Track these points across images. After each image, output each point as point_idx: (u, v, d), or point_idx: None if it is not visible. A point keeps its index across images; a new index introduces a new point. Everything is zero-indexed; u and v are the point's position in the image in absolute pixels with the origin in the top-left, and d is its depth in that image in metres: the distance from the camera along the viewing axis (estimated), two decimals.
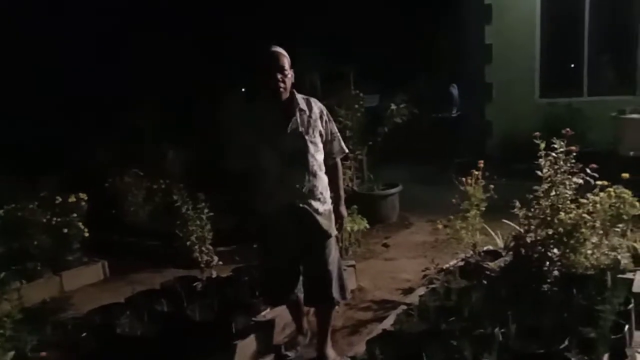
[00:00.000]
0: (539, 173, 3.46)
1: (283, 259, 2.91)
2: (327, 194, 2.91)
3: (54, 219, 4.92)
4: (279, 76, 2.70)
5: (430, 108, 12.56)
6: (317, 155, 2.85)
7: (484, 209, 3.98)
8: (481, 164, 3.90)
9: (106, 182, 6.15)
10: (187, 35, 13.34)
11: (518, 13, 8.82)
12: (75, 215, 4.96)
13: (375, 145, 6.53)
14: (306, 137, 2.80)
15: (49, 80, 10.16)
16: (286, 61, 2.75)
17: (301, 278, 3.00)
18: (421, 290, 3.74)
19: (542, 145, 3.41)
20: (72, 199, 5.01)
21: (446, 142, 10.08)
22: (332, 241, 2.92)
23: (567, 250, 3.44)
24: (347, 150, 3.12)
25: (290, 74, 2.77)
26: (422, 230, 6.08)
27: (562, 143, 3.39)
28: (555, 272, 3.44)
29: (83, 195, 5.07)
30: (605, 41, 8.42)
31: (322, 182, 2.86)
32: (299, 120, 2.79)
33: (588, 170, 3.40)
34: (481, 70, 9.22)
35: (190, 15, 13.49)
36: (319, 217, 2.81)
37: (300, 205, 2.78)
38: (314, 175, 2.81)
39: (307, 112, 2.83)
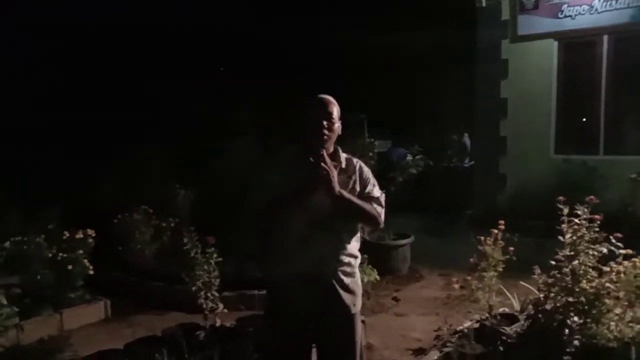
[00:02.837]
0: (561, 239, 3.36)
1: (292, 344, 2.51)
2: (357, 263, 2.60)
3: (60, 254, 4.84)
4: (325, 123, 2.42)
5: (442, 157, 12.57)
6: (351, 222, 2.55)
7: (501, 269, 3.85)
8: (502, 225, 3.78)
9: (114, 218, 6.07)
10: (199, 73, 13.59)
11: (534, 68, 8.83)
12: (81, 251, 4.87)
13: (388, 193, 6.45)
14: None
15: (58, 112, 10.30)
16: (335, 110, 2.49)
17: None
18: (434, 354, 3.59)
19: (566, 211, 3.33)
20: (80, 235, 4.94)
21: (458, 193, 9.99)
22: (356, 318, 2.59)
23: (589, 320, 3.30)
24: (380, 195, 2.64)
25: (337, 124, 2.49)
26: (433, 284, 5.92)
27: (585, 209, 3.32)
28: (576, 342, 3.29)
29: (91, 232, 5.00)
30: (623, 99, 8.30)
31: (353, 251, 2.56)
32: (338, 180, 2.44)
33: (612, 239, 3.30)
34: (496, 124, 9.18)
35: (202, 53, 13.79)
36: (343, 293, 2.51)
37: (324, 276, 2.47)
38: (345, 243, 2.50)
39: (348, 173, 2.53)
